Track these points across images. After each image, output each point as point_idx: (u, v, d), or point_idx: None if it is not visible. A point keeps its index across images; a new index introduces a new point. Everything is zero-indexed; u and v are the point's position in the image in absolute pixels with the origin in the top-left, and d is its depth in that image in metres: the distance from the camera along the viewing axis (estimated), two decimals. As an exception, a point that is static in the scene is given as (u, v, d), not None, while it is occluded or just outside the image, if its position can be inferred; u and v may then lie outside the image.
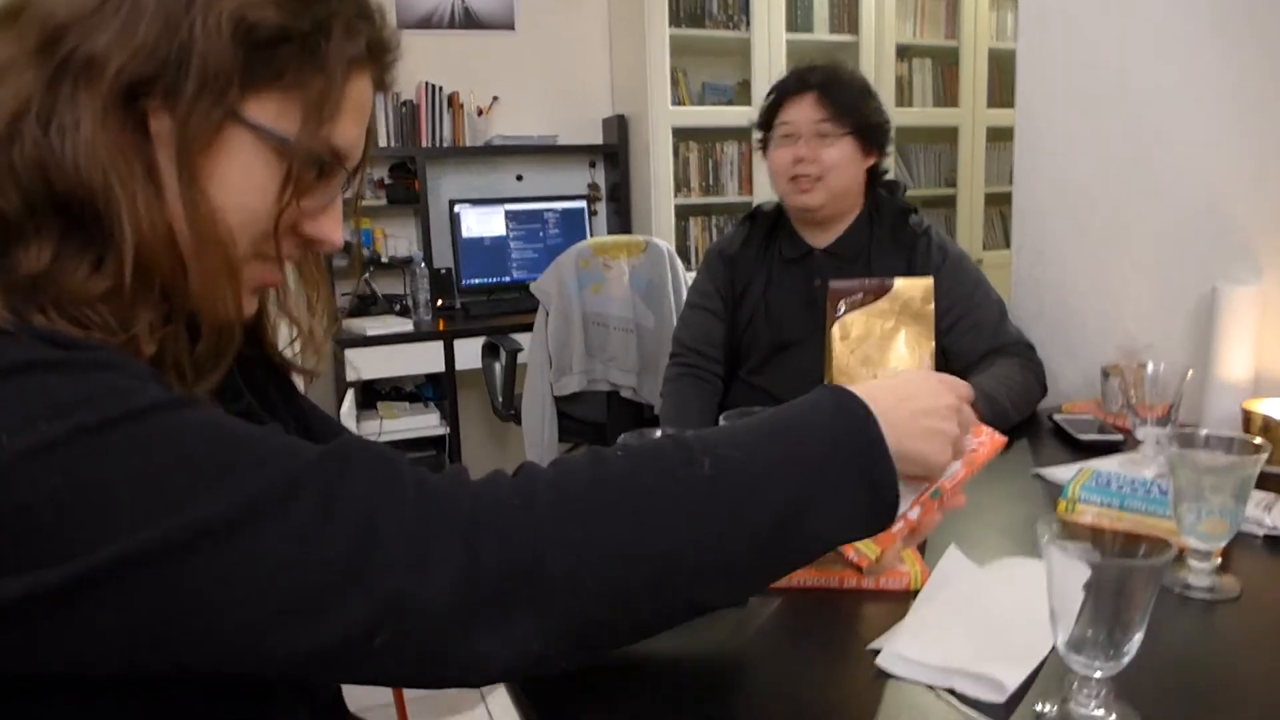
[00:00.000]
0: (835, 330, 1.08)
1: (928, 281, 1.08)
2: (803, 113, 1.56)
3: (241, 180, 0.53)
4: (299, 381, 0.75)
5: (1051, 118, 1.71)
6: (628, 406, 2.57)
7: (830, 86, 1.55)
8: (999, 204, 3.91)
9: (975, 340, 1.55)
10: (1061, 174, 1.69)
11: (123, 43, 0.49)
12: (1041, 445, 1.37)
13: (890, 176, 1.73)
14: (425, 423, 2.97)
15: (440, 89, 3.09)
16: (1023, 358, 1.53)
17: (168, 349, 0.54)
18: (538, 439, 2.54)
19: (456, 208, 3.08)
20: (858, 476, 0.57)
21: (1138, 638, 0.63)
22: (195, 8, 0.50)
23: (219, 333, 0.56)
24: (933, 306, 1.08)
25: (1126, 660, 0.63)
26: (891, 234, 1.63)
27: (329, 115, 0.55)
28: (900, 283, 1.08)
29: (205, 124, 0.51)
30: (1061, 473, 1.18)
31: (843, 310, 1.08)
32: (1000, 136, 3.77)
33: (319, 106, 0.54)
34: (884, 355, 1.08)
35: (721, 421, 1.05)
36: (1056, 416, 1.43)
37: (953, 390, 0.67)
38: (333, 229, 0.59)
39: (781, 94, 1.60)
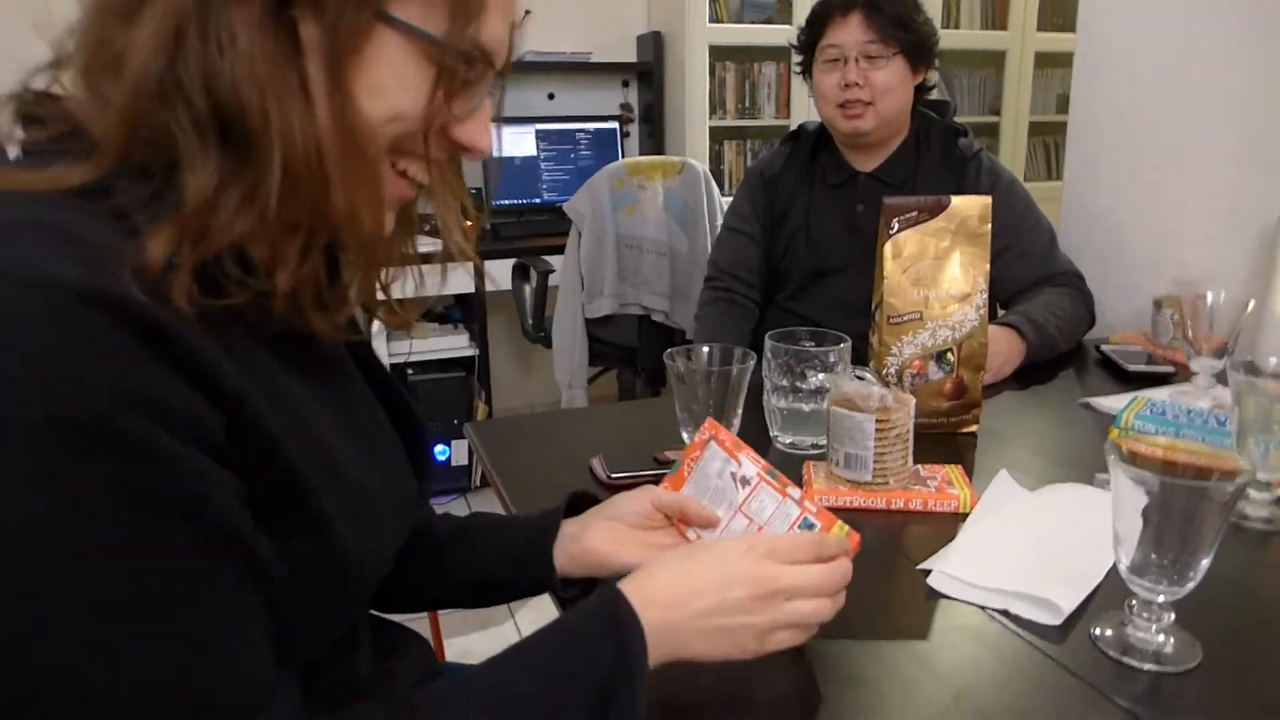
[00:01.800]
0: (888, 249, 1.05)
1: (985, 201, 1.04)
2: (850, 33, 1.49)
3: (392, 82, 0.51)
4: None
5: (1113, 37, 1.63)
6: (659, 331, 2.54)
7: (877, 3, 1.48)
8: (1045, 133, 3.78)
9: (1025, 268, 1.51)
10: (1121, 96, 1.62)
11: None
12: (1088, 375, 1.34)
13: (936, 95, 1.66)
14: (455, 343, 2.96)
15: (471, 1, 3.00)
16: (1072, 287, 1.49)
17: (305, 285, 0.52)
18: (567, 361, 2.54)
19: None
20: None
21: (1205, 563, 0.61)
22: None
23: (363, 250, 0.55)
24: (990, 227, 1.04)
25: (1191, 586, 0.62)
26: (940, 157, 1.57)
27: (476, 11, 0.53)
28: (957, 201, 1.04)
29: (354, 27, 0.49)
30: (1111, 402, 1.15)
31: (896, 228, 1.05)
32: (1050, 63, 3.61)
33: (469, 7, 0.52)
34: (937, 275, 1.05)
35: (769, 343, 1.03)
36: (1104, 347, 1.39)
37: (750, 578, 0.58)
38: (482, 134, 0.57)
39: (825, 12, 1.53)
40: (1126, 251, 1.63)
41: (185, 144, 0.48)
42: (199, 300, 0.46)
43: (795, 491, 0.69)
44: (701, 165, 2.44)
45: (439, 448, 2.93)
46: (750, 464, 0.72)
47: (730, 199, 1.79)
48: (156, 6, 0.47)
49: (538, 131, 3.09)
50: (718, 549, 0.61)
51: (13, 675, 0.41)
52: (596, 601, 0.57)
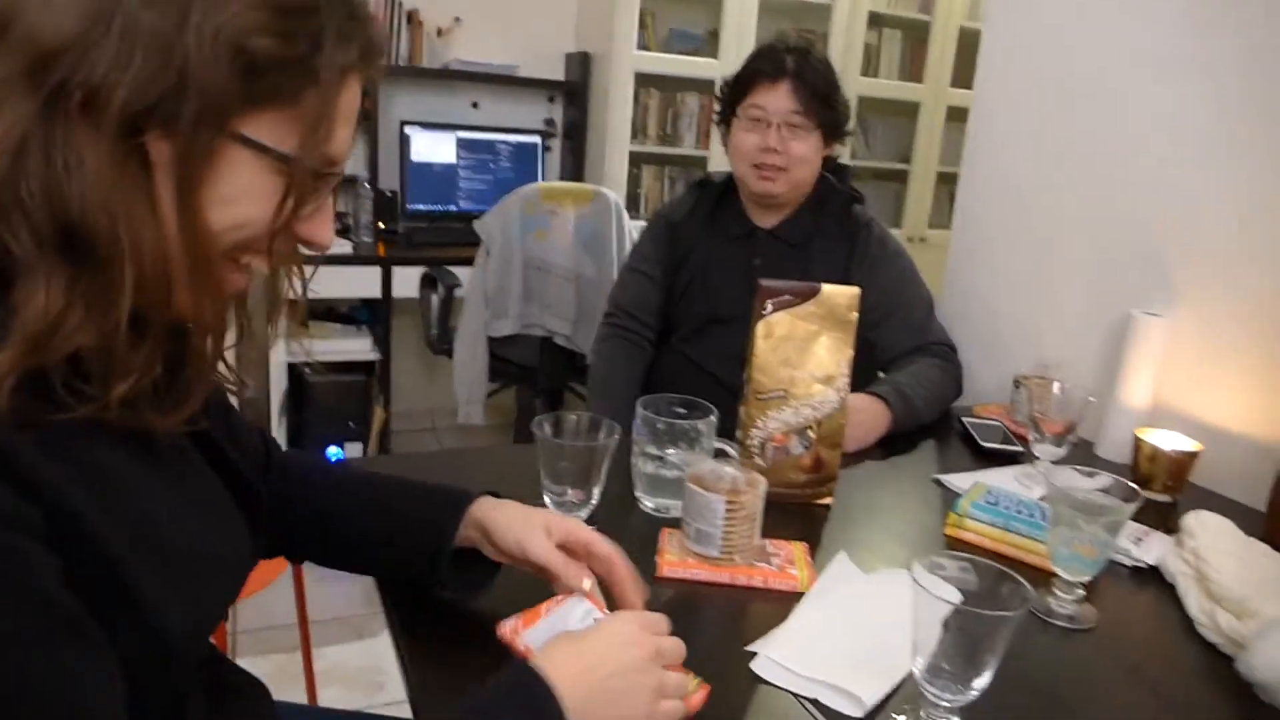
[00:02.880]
0: (760, 328, 1.10)
1: (854, 291, 1.10)
2: (777, 101, 1.54)
3: (241, 194, 0.53)
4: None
5: (1004, 110, 1.73)
6: (561, 353, 2.58)
7: (805, 75, 1.54)
8: (951, 184, 3.95)
9: (901, 335, 1.59)
10: (1005, 171, 1.72)
11: (120, 73, 0.48)
12: (948, 447, 1.43)
13: (840, 159, 1.74)
14: (357, 346, 2.93)
15: (400, 4, 2.97)
16: (943, 358, 1.58)
17: (143, 391, 0.54)
18: (467, 376, 2.54)
19: (407, 129, 2.99)
20: None
21: (988, 676, 0.67)
22: (188, 33, 0.49)
23: (206, 350, 0.58)
24: (856, 315, 1.10)
25: (975, 695, 0.68)
26: (836, 221, 1.64)
27: (325, 130, 0.55)
28: (828, 289, 1.10)
29: (205, 148, 0.51)
30: (961, 481, 1.23)
31: (770, 309, 1.10)
32: (960, 117, 3.78)
33: (316, 123, 0.54)
34: (804, 357, 1.11)
35: (640, 410, 1.07)
36: (966, 419, 1.48)
37: (638, 641, 0.65)
38: (324, 230, 0.60)
39: (756, 74, 1.58)
40: (999, 324, 1.74)
41: (24, 259, 0.48)
42: (29, 410, 0.46)
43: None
44: (614, 195, 2.48)
45: (333, 449, 2.90)
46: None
47: (642, 224, 1.83)
48: (2, 116, 0.48)
49: (459, 139, 3.08)
50: (603, 626, 0.67)
51: None
52: (510, 675, 0.61)
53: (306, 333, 2.83)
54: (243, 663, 0.84)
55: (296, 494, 0.82)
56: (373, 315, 3.02)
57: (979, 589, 0.72)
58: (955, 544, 1.07)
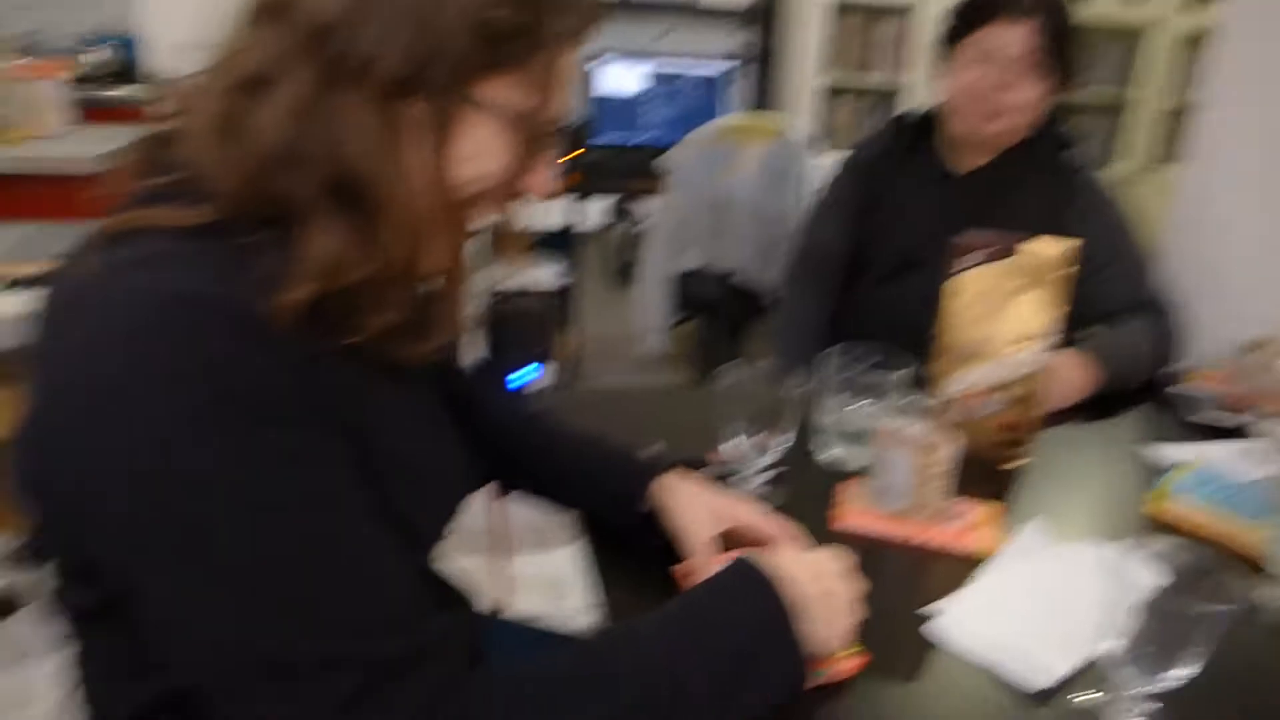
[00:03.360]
0: (954, 284, 1.07)
1: (1069, 245, 1.04)
2: (1014, 40, 1.42)
3: (480, 154, 0.60)
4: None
5: (1256, 33, 1.53)
6: (743, 291, 2.58)
7: (1052, 15, 1.42)
8: (1175, 119, 3.56)
9: (1111, 293, 1.48)
10: (1257, 103, 1.53)
11: (386, 46, 0.55)
12: (1157, 415, 1.33)
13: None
14: (547, 275, 3.06)
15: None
16: (1158, 317, 1.46)
17: (397, 325, 0.61)
18: (649, 310, 2.61)
19: (593, 61, 3.03)
20: (778, 682, 0.65)
21: (1187, 668, 0.65)
22: (442, 9, 0.55)
23: (453, 290, 0.67)
24: (1070, 271, 1.04)
25: (1171, 685, 0.66)
26: (1045, 165, 1.53)
27: (552, 91, 0.61)
28: (1034, 243, 1.05)
29: (452, 111, 0.58)
30: (1170, 453, 1.15)
31: (966, 264, 1.07)
32: (1191, 44, 3.38)
33: (543, 86, 0.60)
34: (1003, 315, 1.07)
35: (830, 358, 1.07)
36: (1177, 387, 1.38)
37: (839, 559, 0.73)
38: (546, 180, 0.66)
39: (995, 9, 1.45)
40: (1229, 279, 1.58)
41: (308, 207, 0.56)
42: (307, 333, 0.55)
43: None
44: (802, 130, 2.42)
45: (522, 373, 3.06)
46: None
47: (830, 159, 1.79)
48: (282, 89, 0.55)
49: (645, 71, 3.08)
50: (813, 554, 0.74)
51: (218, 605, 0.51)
52: (734, 566, 0.67)
53: (525, 261, 2.98)
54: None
55: (503, 438, 0.90)
56: (561, 245, 3.14)
57: (1184, 574, 0.69)
58: (1158, 521, 1.01)
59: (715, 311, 2.65)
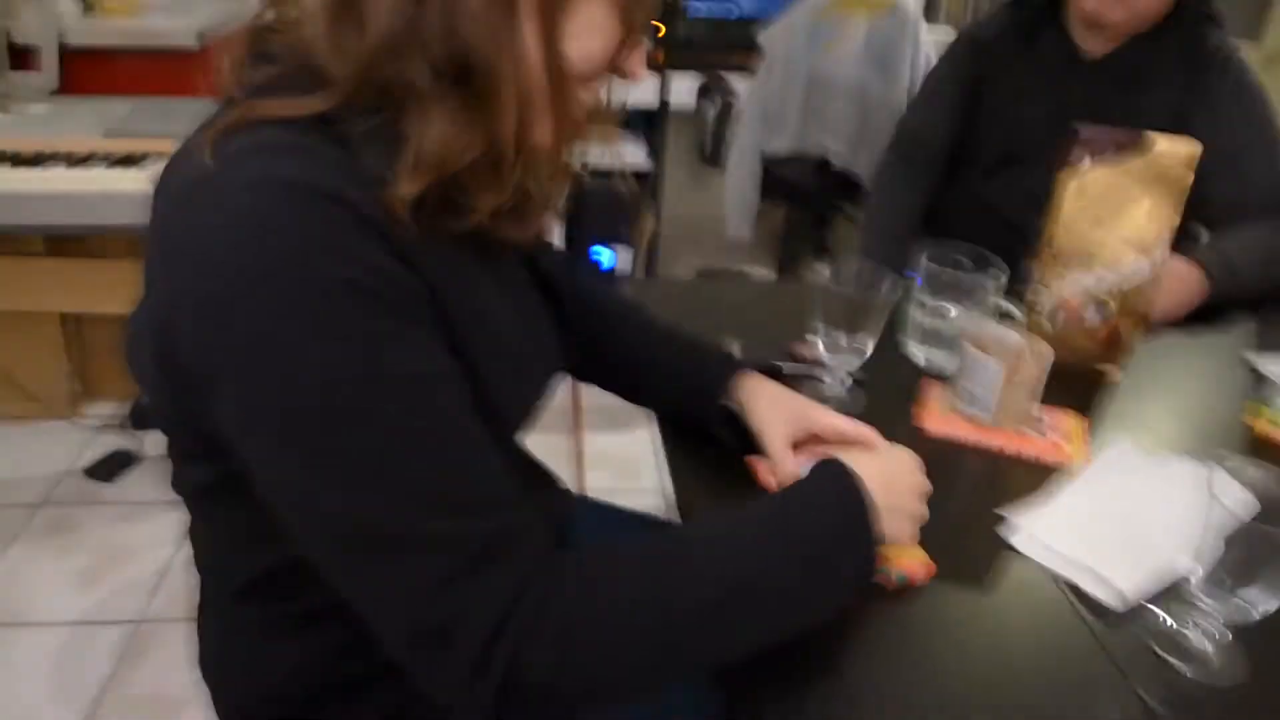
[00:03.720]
0: (1070, 183, 1.01)
1: (1192, 149, 0.97)
2: None
3: (590, 32, 0.59)
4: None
5: None
6: (837, 176, 2.49)
7: None
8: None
9: (1243, 191, 1.37)
10: None
11: None
12: (1275, 324, 1.26)
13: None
14: (632, 154, 3.00)
15: None
16: None
17: (506, 205, 0.62)
18: (738, 193, 2.55)
19: (695, -76, 2.86)
20: (854, 575, 0.65)
21: (1275, 604, 0.63)
22: None
23: (561, 168, 0.67)
24: (1192, 176, 0.97)
25: (1255, 617, 0.64)
26: (1182, 51, 1.40)
27: None
28: (1160, 143, 0.97)
29: None
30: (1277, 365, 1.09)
31: (1085, 161, 1.00)
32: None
33: None
34: (1118, 219, 1.01)
35: (923, 260, 1.03)
36: (1303, 298, 1.29)
37: (916, 474, 0.74)
38: (641, 64, 0.65)
39: None
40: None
41: (425, 91, 0.56)
42: (417, 222, 0.55)
43: None
44: (915, 3, 2.26)
45: (603, 251, 3.06)
46: None
47: (943, 35, 1.67)
48: None
49: (748, -65, 2.90)
50: (895, 452, 0.76)
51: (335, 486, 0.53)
52: (820, 469, 0.69)
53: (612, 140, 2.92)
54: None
55: (584, 324, 0.91)
56: (648, 123, 3.05)
57: (1276, 501, 0.66)
58: (1262, 441, 0.97)
59: (806, 200, 2.57)
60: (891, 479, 0.70)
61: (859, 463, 0.68)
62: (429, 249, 0.58)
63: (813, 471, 0.68)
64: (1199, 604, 0.67)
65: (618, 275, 3.07)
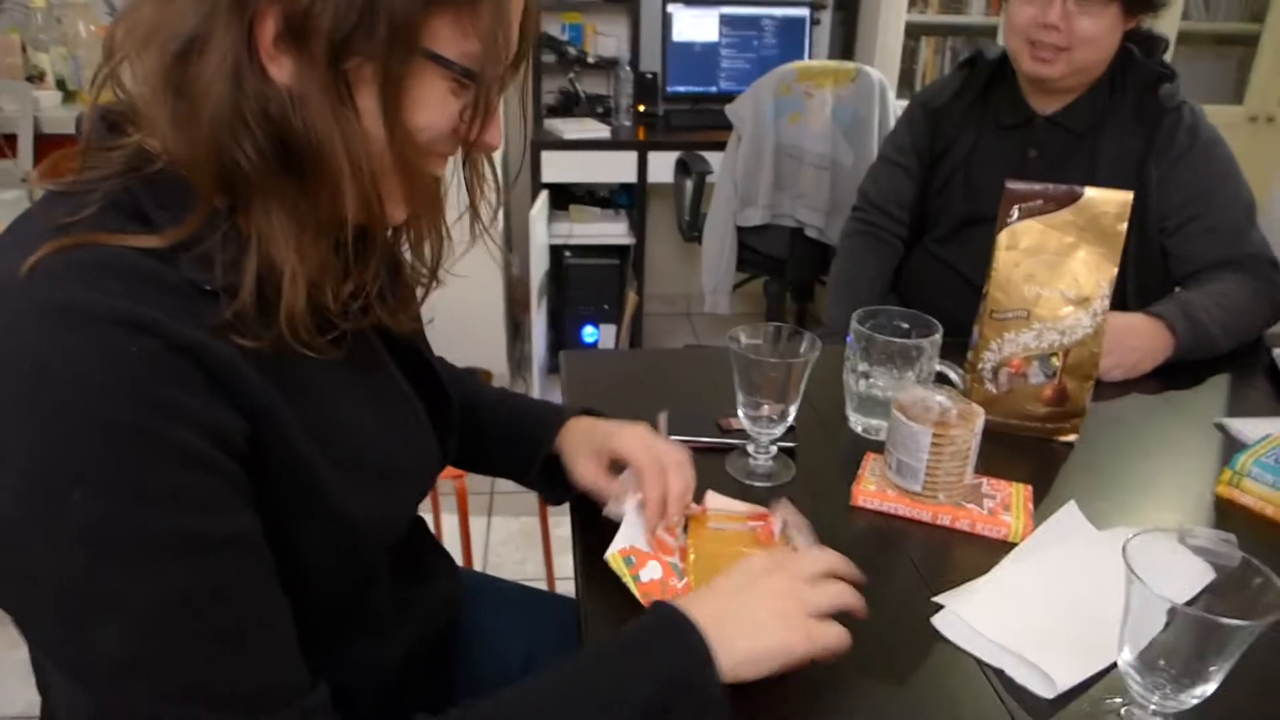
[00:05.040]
0: (1002, 237, 0.97)
1: (1124, 197, 0.93)
2: None
3: (430, 105, 0.56)
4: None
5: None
6: (812, 246, 2.47)
7: None
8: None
9: (1207, 246, 1.32)
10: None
11: (321, 3, 0.50)
12: (1247, 385, 1.19)
13: (1153, 28, 1.43)
14: (613, 230, 3.00)
15: None
16: (1259, 276, 1.30)
17: (373, 292, 0.59)
18: (715, 266, 2.52)
19: (670, 7, 2.92)
20: None
21: (1212, 688, 0.56)
22: None
23: (425, 245, 0.65)
24: (1125, 226, 0.93)
25: (1191, 704, 0.57)
26: (1135, 105, 1.37)
27: (503, 40, 0.56)
28: (1092, 193, 0.93)
29: (400, 65, 0.53)
30: (1254, 428, 1.02)
31: (1015, 216, 0.96)
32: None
33: (493, 34, 0.55)
34: (1055, 273, 0.96)
35: (854, 324, 0.98)
36: (1277, 351, 1.23)
37: (774, 561, 0.66)
38: (495, 134, 0.61)
39: None
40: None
41: (253, 176, 0.52)
42: (253, 326, 0.52)
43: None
44: (879, 75, 2.27)
45: (588, 330, 3.04)
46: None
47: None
48: (215, 45, 0.50)
49: (722, 15, 2.96)
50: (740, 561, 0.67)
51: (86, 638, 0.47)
52: (647, 615, 0.63)
53: (578, 215, 2.91)
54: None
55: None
56: (630, 200, 3.07)
57: (1232, 573, 0.60)
58: (1229, 507, 0.90)
59: (783, 268, 2.54)
60: (732, 588, 0.63)
61: (696, 593, 0.63)
62: (276, 367, 0.54)
63: (632, 624, 0.61)
64: (1133, 690, 0.60)
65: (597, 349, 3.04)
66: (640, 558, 0.73)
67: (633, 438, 0.79)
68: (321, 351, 0.56)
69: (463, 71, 0.55)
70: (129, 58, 0.53)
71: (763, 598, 0.62)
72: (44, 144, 2.00)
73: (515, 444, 0.86)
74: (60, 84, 2.16)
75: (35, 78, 2.15)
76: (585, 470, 0.81)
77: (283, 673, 0.53)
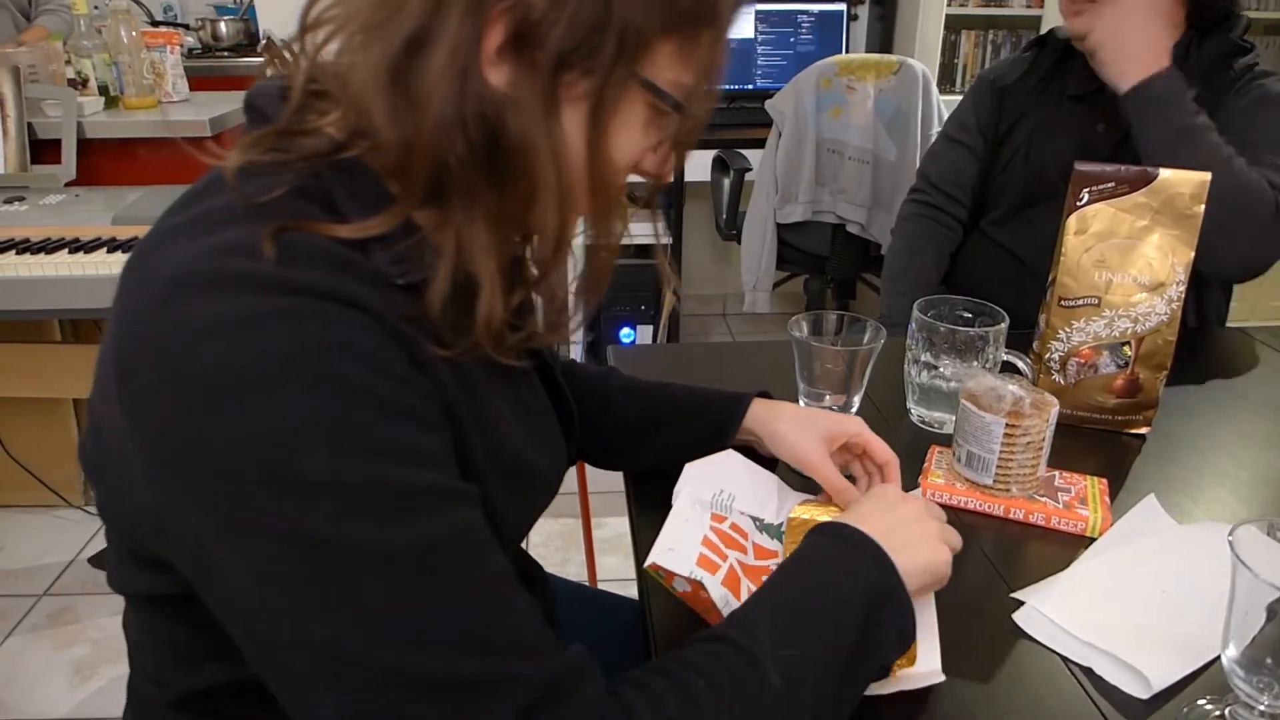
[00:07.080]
0: (1071, 222, 0.93)
1: (1202, 177, 0.89)
2: None
3: (630, 130, 0.55)
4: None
5: None
6: (853, 242, 2.43)
7: None
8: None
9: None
10: None
11: (558, 11, 0.49)
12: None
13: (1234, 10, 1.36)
14: (651, 230, 2.98)
15: None
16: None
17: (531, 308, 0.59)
18: (754, 264, 2.49)
19: (706, 5, 2.90)
20: (894, 638, 0.58)
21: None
22: None
23: (600, 267, 0.64)
24: (1202, 208, 0.89)
25: (1304, 704, 0.54)
26: (1205, 76, 1.31)
27: (714, 74, 0.56)
28: (1166, 175, 0.90)
29: (616, 86, 0.52)
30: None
31: (1086, 199, 0.92)
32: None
33: (708, 68, 0.55)
34: (1127, 258, 0.92)
35: (915, 313, 0.95)
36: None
37: (905, 496, 0.69)
38: (670, 168, 0.62)
39: None
40: None
41: (458, 174, 0.51)
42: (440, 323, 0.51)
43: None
44: (922, 67, 2.23)
45: (624, 331, 3.02)
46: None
47: (955, 98, 1.62)
48: (444, 39, 0.49)
49: (757, 12, 2.93)
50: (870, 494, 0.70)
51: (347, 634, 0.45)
52: (821, 534, 0.63)
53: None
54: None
55: (594, 406, 0.85)
56: (666, 197, 3.05)
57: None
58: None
59: (824, 265, 2.51)
60: (893, 527, 0.63)
61: (861, 517, 0.63)
62: (455, 365, 0.53)
63: (811, 545, 0.62)
64: (1238, 690, 0.56)
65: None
66: (668, 575, 0.70)
67: (861, 426, 0.80)
68: (508, 357, 0.56)
69: (673, 104, 0.54)
70: (346, 45, 0.52)
71: (905, 520, 0.65)
72: (87, 149, 2.02)
73: (701, 415, 0.84)
74: (103, 90, 2.19)
75: (78, 84, 2.17)
76: (821, 464, 0.78)
77: (542, 623, 0.51)
